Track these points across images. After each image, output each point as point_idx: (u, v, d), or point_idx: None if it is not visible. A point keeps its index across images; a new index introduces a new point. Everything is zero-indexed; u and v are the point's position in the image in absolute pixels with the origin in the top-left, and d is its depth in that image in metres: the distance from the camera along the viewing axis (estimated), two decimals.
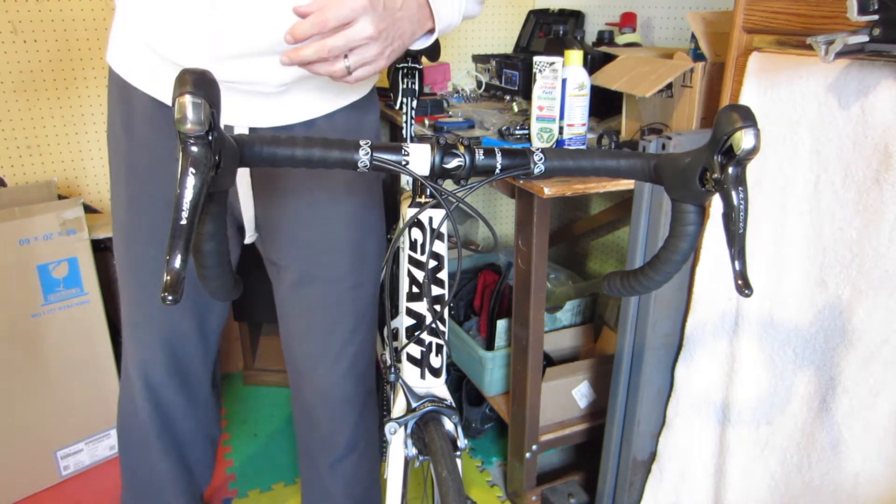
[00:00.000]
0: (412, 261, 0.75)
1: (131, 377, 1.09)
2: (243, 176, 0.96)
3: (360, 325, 1.10)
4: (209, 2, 0.79)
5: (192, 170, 0.47)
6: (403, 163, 0.62)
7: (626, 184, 1.23)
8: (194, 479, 1.22)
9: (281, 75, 0.87)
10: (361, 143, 0.60)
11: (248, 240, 1.01)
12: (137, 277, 1.02)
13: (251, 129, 0.92)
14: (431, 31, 0.82)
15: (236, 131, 0.90)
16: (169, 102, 0.88)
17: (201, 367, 1.13)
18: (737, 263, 0.56)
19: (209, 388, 1.17)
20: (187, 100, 0.47)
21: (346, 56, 0.73)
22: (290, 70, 0.86)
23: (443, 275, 0.75)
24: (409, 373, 0.79)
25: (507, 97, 1.93)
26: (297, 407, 1.20)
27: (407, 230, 0.74)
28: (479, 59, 2.17)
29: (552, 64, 1.26)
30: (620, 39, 1.78)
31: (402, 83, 1.18)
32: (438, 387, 0.80)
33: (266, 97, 0.90)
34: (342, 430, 1.16)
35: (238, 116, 0.90)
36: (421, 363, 0.78)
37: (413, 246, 0.75)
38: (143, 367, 1.06)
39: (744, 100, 1.04)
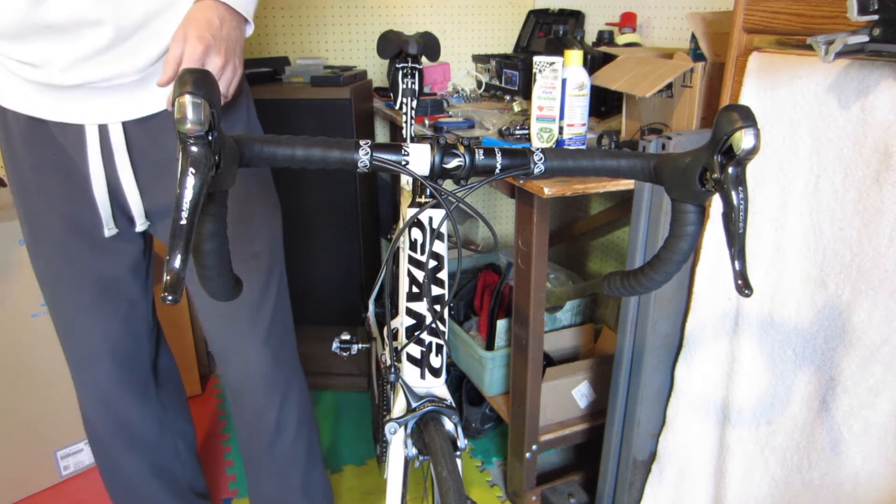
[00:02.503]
0: (412, 261, 0.75)
1: (77, 385, 1.13)
2: (125, 170, 0.98)
3: (265, 299, 1.13)
4: (41, 18, 0.82)
5: (191, 170, 0.47)
6: (403, 163, 0.62)
7: (626, 184, 1.23)
8: (174, 476, 1.25)
9: (131, 64, 0.89)
10: (361, 143, 0.60)
11: (139, 228, 1.04)
12: (52, 291, 1.06)
13: (125, 123, 0.94)
14: (247, 20, 0.91)
15: (111, 128, 0.94)
16: (41, 116, 0.93)
17: (140, 365, 1.16)
18: (737, 263, 0.56)
19: (154, 386, 1.20)
20: (187, 100, 0.47)
21: None
22: (137, 57, 0.89)
23: (443, 275, 0.75)
24: (409, 373, 0.79)
25: (507, 97, 1.93)
26: (227, 392, 1.23)
27: (407, 230, 0.74)
28: (479, 59, 2.17)
29: (552, 64, 1.26)
30: (620, 39, 1.78)
31: (402, 83, 1.18)
32: (438, 387, 0.80)
33: (127, 89, 0.92)
34: (267, 411, 1.19)
35: (107, 113, 0.93)
36: (421, 363, 0.78)
37: (413, 246, 0.75)
38: (84, 373, 1.11)
39: (744, 100, 1.04)
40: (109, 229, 1.02)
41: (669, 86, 1.29)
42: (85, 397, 1.14)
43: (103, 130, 0.94)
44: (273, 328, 1.15)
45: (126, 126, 0.95)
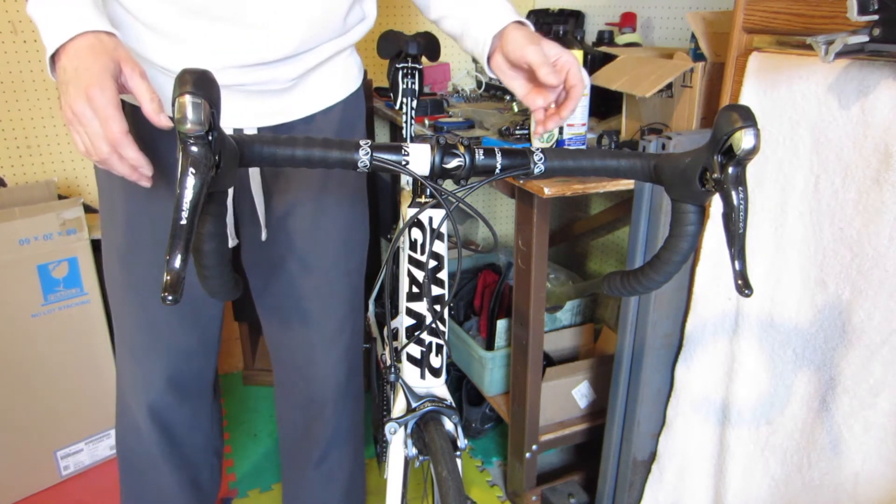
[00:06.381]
0: (412, 261, 0.75)
1: (130, 404, 1.06)
2: (255, 176, 0.96)
3: (350, 313, 1.12)
4: (232, 19, 0.79)
5: (191, 170, 0.47)
6: (403, 163, 0.62)
7: (626, 184, 1.23)
8: (204, 495, 1.21)
9: (291, 72, 0.87)
10: (361, 143, 0.60)
11: (263, 236, 1.01)
12: (140, 301, 0.98)
13: (259, 129, 0.92)
14: None
15: (245, 132, 0.90)
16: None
17: (205, 381, 1.12)
18: (737, 263, 0.56)
19: (212, 401, 1.17)
20: (187, 100, 0.47)
21: None
22: (300, 65, 0.87)
23: (443, 275, 0.75)
24: (409, 373, 0.79)
25: (507, 97, 1.93)
26: (288, 404, 1.20)
27: (407, 230, 0.74)
28: None
29: None
30: (620, 39, 1.78)
31: (402, 83, 1.18)
32: (438, 387, 0.80)
33: (273, 94, 0.90)
34: (332, 420, 1.17)
35: (246, 117, 0.90)
36: (421, 363, 0.78)
37: (413, 246, 0.75)
38: (146, 391, 1.04)
39: (744, 100, 1.04)
40: (232, 239, 0.99)
41: (669, 86, 1.29)
42: (138, 415, 1.06)
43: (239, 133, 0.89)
44: (352, 341, 1.14)
45: (259, 132, 0.90)
